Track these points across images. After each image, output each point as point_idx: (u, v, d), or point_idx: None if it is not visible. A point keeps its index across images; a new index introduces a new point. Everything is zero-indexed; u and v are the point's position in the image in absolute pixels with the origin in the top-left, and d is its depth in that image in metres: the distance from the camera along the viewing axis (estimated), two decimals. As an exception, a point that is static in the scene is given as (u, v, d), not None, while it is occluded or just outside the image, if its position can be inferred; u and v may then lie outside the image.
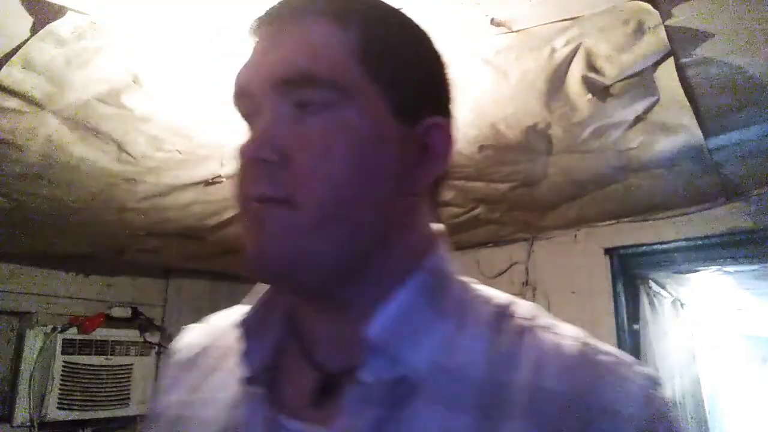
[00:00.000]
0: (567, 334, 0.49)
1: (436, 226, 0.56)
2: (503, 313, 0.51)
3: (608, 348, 0.48)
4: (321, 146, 0.46)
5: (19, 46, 1.00)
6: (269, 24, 0.50)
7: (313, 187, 0.46)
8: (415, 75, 0.50)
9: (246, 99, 0.50)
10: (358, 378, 0.46)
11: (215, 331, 0.63)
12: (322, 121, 0.46)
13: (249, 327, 0.53)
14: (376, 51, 0.48)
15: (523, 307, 0.52)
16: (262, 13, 0.52)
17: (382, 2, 0.53)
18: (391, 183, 0.48)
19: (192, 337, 0.66)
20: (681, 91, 1.21)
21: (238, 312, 0.57)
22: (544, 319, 0.51)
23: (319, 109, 0.46)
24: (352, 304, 0.50)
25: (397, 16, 0.53)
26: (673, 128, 1.40)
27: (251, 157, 0.47)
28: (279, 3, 0.51)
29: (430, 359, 0.47)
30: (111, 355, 2.49)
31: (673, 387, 2.40)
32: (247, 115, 0.51)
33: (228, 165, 1.57)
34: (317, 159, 0.46)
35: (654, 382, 0.46)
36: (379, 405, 0.45)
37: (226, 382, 0.55)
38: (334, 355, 0.51)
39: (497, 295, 0.54)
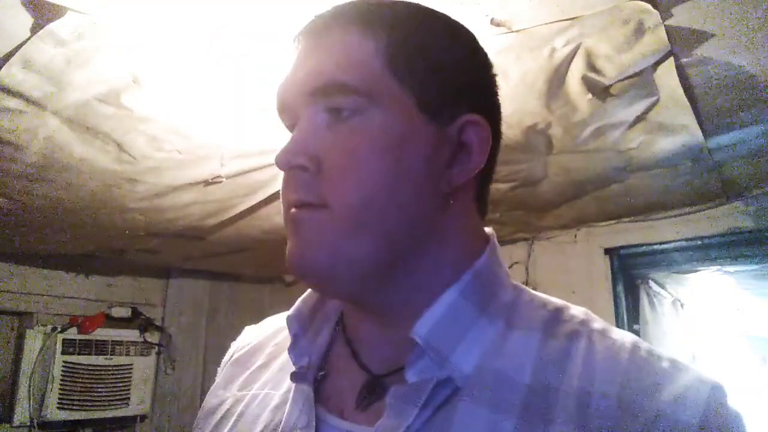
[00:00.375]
0: (621, 339, 0.48)
1: (487, 229, 0.57)
2: (555, 317, 0.51)
3: (665, 354, 0.47)
4: (351, 151, 0.47)
5: (19, 46, 1.00)
6: (305, 37, 0.52)
7: (345, 191, 0.47)
8: (445, 75, 0.50)
9: (286, 110, 0.52)
10: (404, 378, 0.47)
11: (269, 332, 0.65)
12: (352, 126, 0.47)
13: (297, 323, 0.55)
14: (403, 54, 0.48)
15: (576, 311, 0.52)
16: (302, 24, 0.54)
17: (413, 6, 0.53)
18: (424, 183, 0.48)
19: (247, 337, 0.68)
20: (681, 91, 1.21)
21: None
22: (598, 323, 0.50)
23: (350, 114, 0.47)
24: (397, 306, 0.51)
25: (426, 18, 0.53)
26: (673, 128, 1.40)
27: (284, 166, 0.49)
28: (314, 17, 0.52)
29: (477, 361, 0.47)
30: (111, 355, 2.49)
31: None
32: (291, 126, 0.52)
33: (228, 165, 1.57)
34: (348, 163, 0.47)
35: (717, 391, 0.44)
36: (423, 405, 0.45)
37: (276, 380, 0.58)
38: (381, 356, 0.52)
39: (551, 300, 0.54)
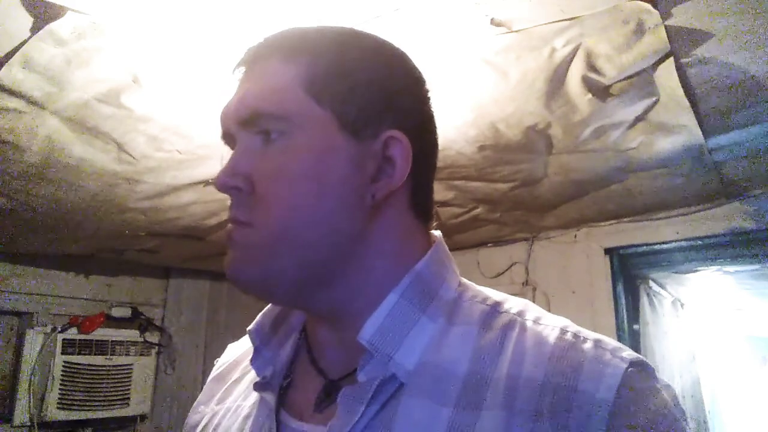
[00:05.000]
0: (551, 324, 0.51)
1: (434, 233, 0.60)
2: (494, 310, 0.54)
3: (593, 335, 0.49)
4: (276, 171, 0.51)
5: (19, 46, 1.00)
6: (240, 69, 0.57)
7: (269, 210, 0.50)
8: (365, 95, 0.53)
9: (227, 136, 0.56)
10: (356, 380, 0.50)
11: (245, 347, 0.69)
12: (278, 148, 0.51)
13: (258, 336, 0.59)
14: (322, 78, 0.52)
15: (513, 303, 0.55)
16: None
17: (335, 31, 0.56)
18: (347, 197, 0.51)
19: (228, 353, 0.74)
20: (681, 91, 1.21)
21: None
22: (532, 312, 0.53)
23: (277, 137, 0.51)
24: (343, 311, 0.54)
25: (347, 42, 0.56)
26: (673, 128, 1.40)
27: (221, 187, 0.52)
28: (249, 48, 0.56)
29: (419, 358, 0.50)
30: (111, 355, 2.49)
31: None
32: (232, 149, 0.56)
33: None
34: (273, 185, 0.51)
35: (637, 367, 0.46)
36: (369, 402, 0.48)
37: (247, 392, 0.61)
38: (337, 361, 0.55)
39: (492, 295, 0.57)
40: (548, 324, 0.51)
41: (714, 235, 1.98)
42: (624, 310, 2.17)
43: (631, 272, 2.26)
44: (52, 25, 0.95)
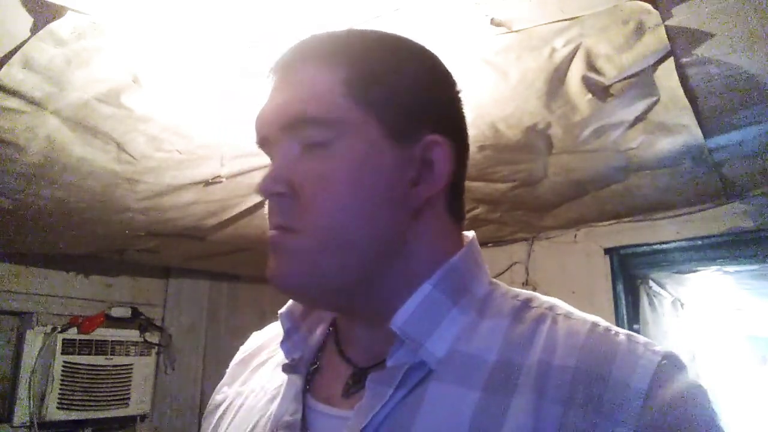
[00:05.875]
0: (583, 318, 0.52)
1: (466, 233, 0.61)
2: (525, 305, 0.55)
3: (624, 331, 0.50)
4: (320, 177, 0.51)
5: (19, 46, 1.00)
6: (276, 73, 0.56)
7: (314, 216, 0.51)
8: (405, 99, 0.53)
9: (264, 142, 0.57)
10: (385, 366, 0.51)
11: (271, 335, 0.71)
12: (321, 154, 0.51)
13: (289, 319, 0.60)
14: (363, 83, 0.52)
15: (544, 300, 0.56)
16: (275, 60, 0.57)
17: (372, 35, 0.56)
18: (390, 202, 0.52)
19: (252, 340, 0.74)
20: (681, 91, 1.21)
21: None
22: (563, 308, 0.54)
23: (319, 143, 0.51)
24: (376, 309, 0.55)
25: (385, 46, 0.56)
26: (673, 128, 1.40)
27: (264, 193, 0.53)
28: (283, 53, 0.56)
29: (449, 346, 0.51)
30: (111, 355, 2.49)
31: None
32: (270, 156, 0.56)
33: (228, 165, 1.57)
34: (317, 190, 0.51)
35: (669, 359, 0.46)
36: (397, 386, 0.49)
37: (272, 375, 0.63)
38: (367, 352, 0.56)
39: (524, 293, 0.58)
40: (580, 318, 0.52)
41: (714, 235, 1.98)
42: (624, 310, 2.17)
43: (631, 272, 2.26)
44: (52, 25, 0.95)
